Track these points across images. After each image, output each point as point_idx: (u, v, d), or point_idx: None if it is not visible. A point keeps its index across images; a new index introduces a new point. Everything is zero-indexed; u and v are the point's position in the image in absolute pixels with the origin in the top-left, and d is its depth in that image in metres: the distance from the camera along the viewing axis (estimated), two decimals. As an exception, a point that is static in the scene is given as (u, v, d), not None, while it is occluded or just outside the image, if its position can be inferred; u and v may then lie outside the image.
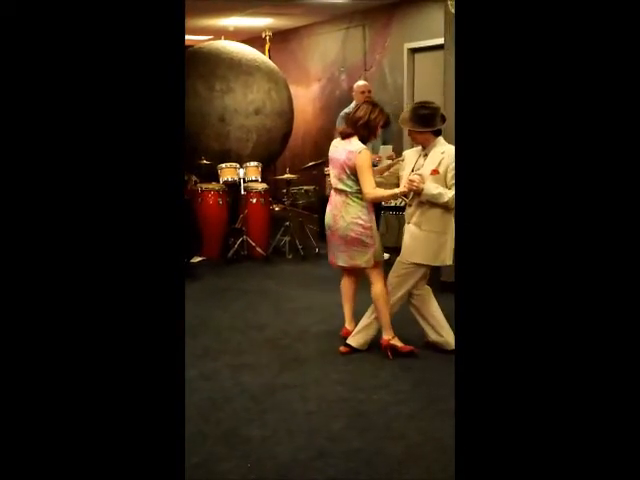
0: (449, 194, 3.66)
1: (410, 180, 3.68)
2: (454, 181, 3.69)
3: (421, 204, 3.78)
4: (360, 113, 3.90)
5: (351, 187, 3.89)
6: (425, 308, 4.03)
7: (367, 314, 4.05)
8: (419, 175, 3.68)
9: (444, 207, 3.74)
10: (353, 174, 3.85)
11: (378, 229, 4.19)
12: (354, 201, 3.90)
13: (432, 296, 4.06)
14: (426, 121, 3.74)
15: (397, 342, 3.99)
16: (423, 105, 3.81)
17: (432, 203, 3.73)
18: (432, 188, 3.67)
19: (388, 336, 3.99)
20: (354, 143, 3.88)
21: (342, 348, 4.06)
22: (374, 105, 3.97)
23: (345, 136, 3.94)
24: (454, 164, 3.69)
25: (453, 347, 3.99)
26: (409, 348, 3.98)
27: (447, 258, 3.87)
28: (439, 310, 4.05)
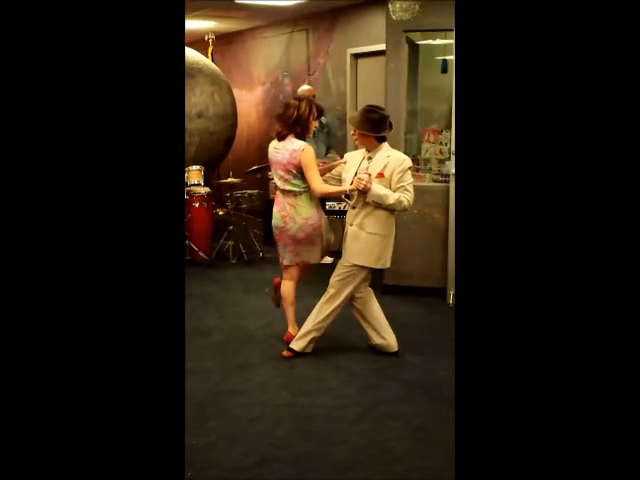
0: (394, 196, 3.71)
1: (359, 178, 3.70)
2: (399, 185, 3.75)
3: (366, 206, 3.80)
4: (289, 112, 3.90)
5: (299, 186, 3.91)
6: (367, 310, 4.06)
7: (310, 318, 4.05)
8: (368, 174, 3.71)
9: (388, 210, 3.79)
10: (300, 173, 3.86)
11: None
12: (304, 201, 3.92)
13: (374, 298, 4.09)
14: (375, 125, 3.77)
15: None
16: (374, 109, 3.82)
17: (377, 205, 3.77)
18: (379, 189, 3.71)
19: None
20: (295, 142, 3.88)
21: (285, 353, 4.06)
22: (300, 100, 3.95)
23: (281, 137, 3.94)
24: (400, 168, 3.75)
25: (396, 349, 4.05)
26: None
27: (388, 261, 3.92)
28: (381, 313, 4.09)
